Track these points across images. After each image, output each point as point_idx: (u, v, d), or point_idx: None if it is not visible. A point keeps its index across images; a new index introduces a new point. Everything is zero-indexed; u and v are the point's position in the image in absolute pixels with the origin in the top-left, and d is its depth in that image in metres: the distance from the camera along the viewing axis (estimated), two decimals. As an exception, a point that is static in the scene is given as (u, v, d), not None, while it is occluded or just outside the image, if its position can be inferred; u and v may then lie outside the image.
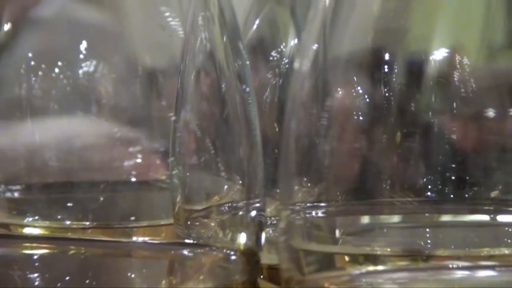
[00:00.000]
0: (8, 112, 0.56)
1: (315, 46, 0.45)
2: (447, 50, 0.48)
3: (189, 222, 0.49)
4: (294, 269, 0.43)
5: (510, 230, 0.48)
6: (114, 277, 0.53)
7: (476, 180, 0.47)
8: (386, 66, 0.47)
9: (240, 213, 0.47)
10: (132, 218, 0.55)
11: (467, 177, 0.47)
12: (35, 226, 0.55)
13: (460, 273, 0.46)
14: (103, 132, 0.55)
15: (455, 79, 0.49)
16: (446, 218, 0.49)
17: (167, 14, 0.50)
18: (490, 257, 0.48)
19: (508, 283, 0.46)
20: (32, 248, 0.54)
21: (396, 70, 0.48)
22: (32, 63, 0.54)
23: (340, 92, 0.45)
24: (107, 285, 0.52)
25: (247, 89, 0.47)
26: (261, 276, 0.48)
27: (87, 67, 0.54)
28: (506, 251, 0.48)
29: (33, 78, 0.54)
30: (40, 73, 0.55)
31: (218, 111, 0.47)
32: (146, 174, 0.56)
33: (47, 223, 0.55)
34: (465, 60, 0.49)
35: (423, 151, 0.47)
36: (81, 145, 0.55)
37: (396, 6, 0.46)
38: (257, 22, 0.58)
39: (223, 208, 0.47)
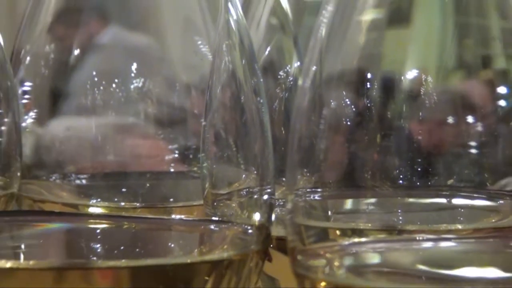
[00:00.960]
0: (76, 118, 0.57)
1: (314, 68, 0.46)
2: (414, 71, 0.50)
3: (215, 203, 0.49)
4: (297, 241, 0.44)
5: (462, 210, 0.50)
6: (157, 246, 0.54)
7: (437, 171, 0.49)
8: (368, 83, 0.48)
9: (255, 196, 0.48)
10: (171, 200, 0.56)
11: (430, 169, 0.49)
12: (97, 206, 0.56)
13: (425, 243, 0.48)
14: (149, 133, 0.56)
15: (421, 92, 0.50)
16: (414, 200, 0.50)
17: (199, 42, 0.51)
18: (448, 231, 0.50)
19: (462, 250, 0.48)
20: (95, 223, 0.55)
21: (375, 86, 0.49)
22: (95, 79, 0.56)
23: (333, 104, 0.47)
24: (152, 252, 0.53)
25: (261, 101, 0.48)
26: (271, 246, 0.48)
27: (137, 82, 0.55)
28: (459, 226, 0.50)
29: (96, 91, 0.56)
30: (101, 87, 0.56)
31: (238, 117, 0.48)
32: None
33: (106, 204, 0.56)
34: (429, 78, 0.50)
35: (396, 149, 0.48)
36: (132, 143, 0.57)
37: (375, 37, 0.48)
38: (268, 49, 0.59)
39: (242, 192, 0.48)
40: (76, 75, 0.56)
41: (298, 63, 0.58)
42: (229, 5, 0.49)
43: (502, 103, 0.50)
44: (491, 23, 0.51)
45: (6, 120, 0.56)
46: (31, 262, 0.49)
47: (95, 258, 0.52)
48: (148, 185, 0.56)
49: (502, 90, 0.50)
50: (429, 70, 0.51)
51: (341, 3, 0.45)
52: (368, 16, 0.46)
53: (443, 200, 0.50)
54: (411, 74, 0.50)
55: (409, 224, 0.50)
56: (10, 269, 0.45)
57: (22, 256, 0.54)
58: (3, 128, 0.55)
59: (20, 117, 0.56)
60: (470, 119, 0.49)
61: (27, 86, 0.57)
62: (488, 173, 0.50)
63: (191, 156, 0.55)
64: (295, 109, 0.46)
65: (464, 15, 0.51)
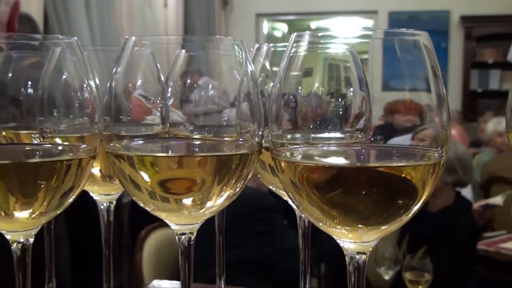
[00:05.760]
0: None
1: (278, 86, 0.46)
2: (312, 91, 0.50)
3: (241, 135, 0.49)
4: (272, 146, 0.44)
5: (334, 137, 0.49)
6: (218, 148, 0.53)
7: (328, 124, 0.49)
8: (297, 92, 0.48)
9: (256, 132, 0.47)
10: (224, 134, 0.54)
11: (324, 122, 0.49)
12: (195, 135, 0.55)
13: (324, 148, 0.48)
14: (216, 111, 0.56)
15: (318, 96, 0.51)
16: (318, 135, 0.48)
17: (236, 74, 0.50)
18: (332, 144, 0.50)
19: (334, 150, 0.48)
20: (195, 140, 0.55)
21: (299, 93, 0.49)
22: (193, 94, 0.56)
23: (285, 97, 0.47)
24: (216, 151, 0.52)
25: (259, 97, 0.47)
26: (262, 149, 0.48)
27: (212, 94, 0.54)
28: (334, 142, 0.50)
29: (194, 97, 0.56)
30: (196, 97, 0.55)
31: (250, 104, 0.47)
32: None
33: (198, 136, 0.54)
34: (319, 94, 0.51)
35: (311, 115, 0.48)
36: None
37: (298, 79, 0.47)
38: (260, 79, 0.58)
39: (251, 131, 0.47)
40: (188, 92, 0.56)
41: (272, 84, 0.58)
42: (247, 62, 0.49)
43: (345, 99, 0.51)
44: (341, 75, 0.52)
45: (164, 107, 0.56)
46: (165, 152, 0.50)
47: (191, 152, 0.52)
48: (215, 129, 0.54)
49: (344, 97, 0.51)
50: (319, 92, 0.51)
51: (286, 63, 0.45)
52: (296, 72, 0.46)
53: (327, 135, 0.48)
54: (312, 92, 0.50)
55: (317, 140, 0.48)
56: (158, 155, 0.46)
57: (170, 151, 0.55)
58: (163, 110, 0.55)
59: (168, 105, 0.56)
60: (333, 104, 0.50)
61: (171, 94, 0.56)
62: (341, 124, 0.50)
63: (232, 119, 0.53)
64: (271, 100, 0.45)
65: (331, 72, 0.52)
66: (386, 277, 2.08)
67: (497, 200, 3.16)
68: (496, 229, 3.32)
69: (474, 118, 5.73)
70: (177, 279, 0.79)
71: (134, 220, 2.50)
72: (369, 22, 6.92)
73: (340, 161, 0.47)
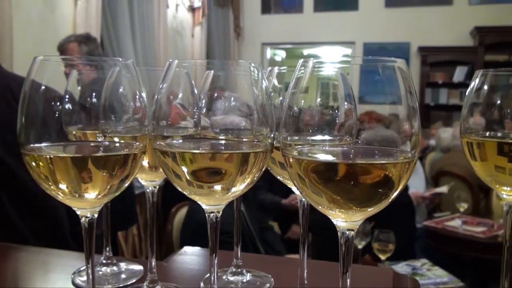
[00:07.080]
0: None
1: (287, 100, 0.44)
2: (312, 104, 0.48)
3: (256, 137, 0.47)
4: (283, 146, 0.42)
5: (328, 141, 0.47)
6: (238, 147, 0.50)
7: (325, 128, 0.46)
8: (300, 104, 0.47)
9: (268, 135, 0.46)
10: (242, 136, 0.51)
11: (324, 128, 0.48)
12: (220, 137, 0.53)
13: (325, 147, 0.45)
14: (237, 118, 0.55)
15: (316, 107, 0.49)
16: (316, 138, 0.45)
17: (254, 90, 0.48)
18: (327, 145, 0.48)
19: (334, 150, 0.46)
20: (219, 140, 0.52)
21: (301, 105, 0.47)
22: (220, 105, 0.55)
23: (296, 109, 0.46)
24: (237, 149, 0.49)
25: (272, 107, 0.46)
26: (274, 148, 0.47)
27: (234, 104, 0.52)
28: (327, 143, 0.50)
29: (219, 108, 0.55)
30: (223, 108, 0.54)
31: (264, 111, 0.46)
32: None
33: (223, 136, 0.53)
34: (316, 105, 0.49)
35: (314, 122, 0.46)
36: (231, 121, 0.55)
37: (301, 95, 0.44)
38: (271, 94, 0.57)
39: (264, 134, 0.46)
40: (214, 104, 0.54)
41: (281, 98, 0.57)
42: (263, 80, 0.48)
43: (338, 111, 0.49)
44: (330, 91, 0.50)
45: (196, 114, 0.55)
46: (200, 150, 0.49)
47: (220, 150, 0.50)
48: (236, 131, 0.52)
49: (337, 108, 0.49)
50: (316, 105, 0.49)
51: (293, 84, 0.43)
52: (299, 89, 0.44)
53: (323, 138, 0.45)
54: (313, 105, 0.49)
55: (316, 142, 0.46)
56: (195, 152, 0.45)
57: (203, 149, 0.52)
58: (196, 117, 0.54)
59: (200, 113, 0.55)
60: (329, 114, 0.49)
61: (203, 105, 0.56)
62: (334, 129, 0.49)
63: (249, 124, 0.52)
64: (282, 111, 0.43)
65: (322, 88, 0.50)
66: (360, 246, 2.08)
67: (443, 189, 3.18)
68: (443, 210, 3.33)
69: (428, 125, 5.79)
70: (200, 246, 0.79)
71: (166, 199, 2.50)
72: (348, 51, 6.93)
73: (335, 158, 0.46)
